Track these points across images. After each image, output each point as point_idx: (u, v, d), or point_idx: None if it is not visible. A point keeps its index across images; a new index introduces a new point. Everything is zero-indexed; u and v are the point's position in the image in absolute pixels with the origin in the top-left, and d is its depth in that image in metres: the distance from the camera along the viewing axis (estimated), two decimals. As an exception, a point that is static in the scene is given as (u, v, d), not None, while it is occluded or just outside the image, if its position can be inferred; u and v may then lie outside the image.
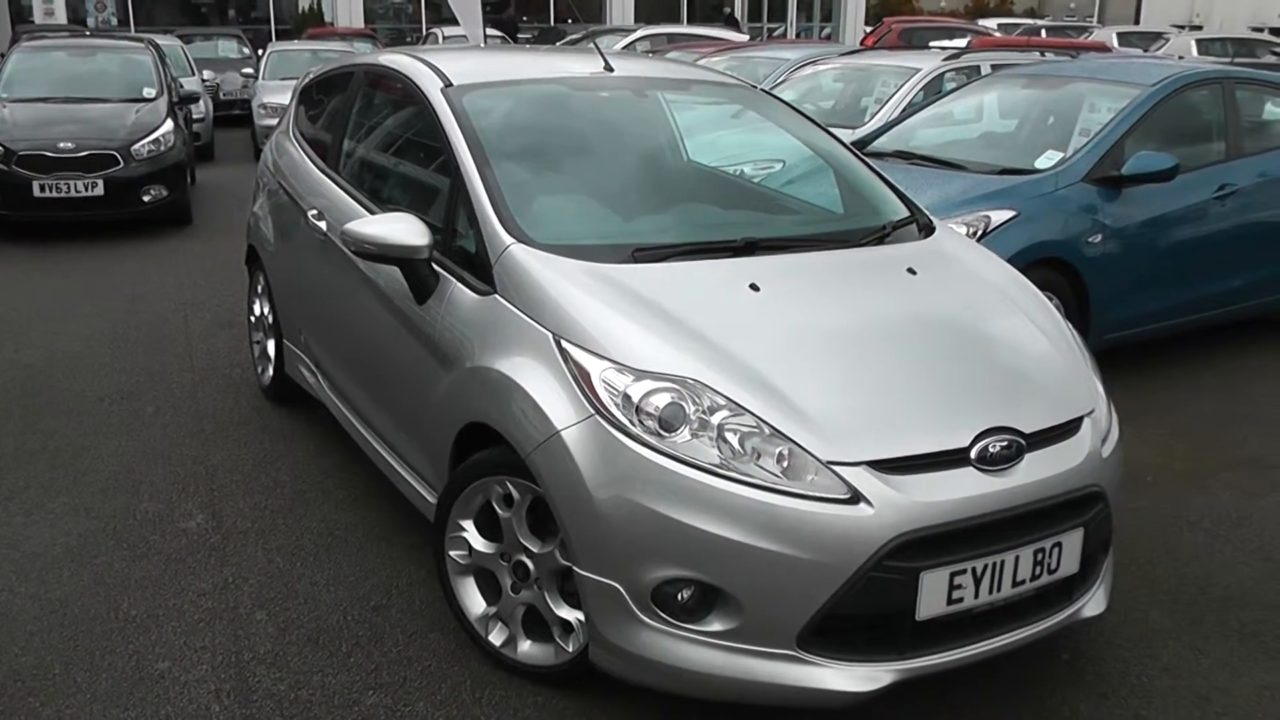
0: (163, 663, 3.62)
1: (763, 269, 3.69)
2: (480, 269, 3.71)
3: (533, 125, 4.53)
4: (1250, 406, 6.24)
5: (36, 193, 10.01)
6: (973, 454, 3.13)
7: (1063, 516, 3.26)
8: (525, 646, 3.54)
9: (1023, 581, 3.18)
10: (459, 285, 3.77)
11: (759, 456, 3.02)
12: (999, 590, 3.14)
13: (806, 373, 3.23)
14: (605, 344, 3.25)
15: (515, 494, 3.42)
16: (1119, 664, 3.72)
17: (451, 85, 4.38)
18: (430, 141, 4.33)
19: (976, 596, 3.10)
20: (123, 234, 10.43)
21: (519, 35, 28.93)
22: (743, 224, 4.32)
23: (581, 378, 3.21)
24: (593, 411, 3.14)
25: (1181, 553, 4.49)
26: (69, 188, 10.09)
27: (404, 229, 3.80)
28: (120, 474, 5.05)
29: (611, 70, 4.71)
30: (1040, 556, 3.19)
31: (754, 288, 3.54)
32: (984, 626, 3.19)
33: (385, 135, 5.09)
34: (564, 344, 3.30)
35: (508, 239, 3.67)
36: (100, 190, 10.18)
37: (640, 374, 3.15)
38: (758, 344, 3.30)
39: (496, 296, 3.60)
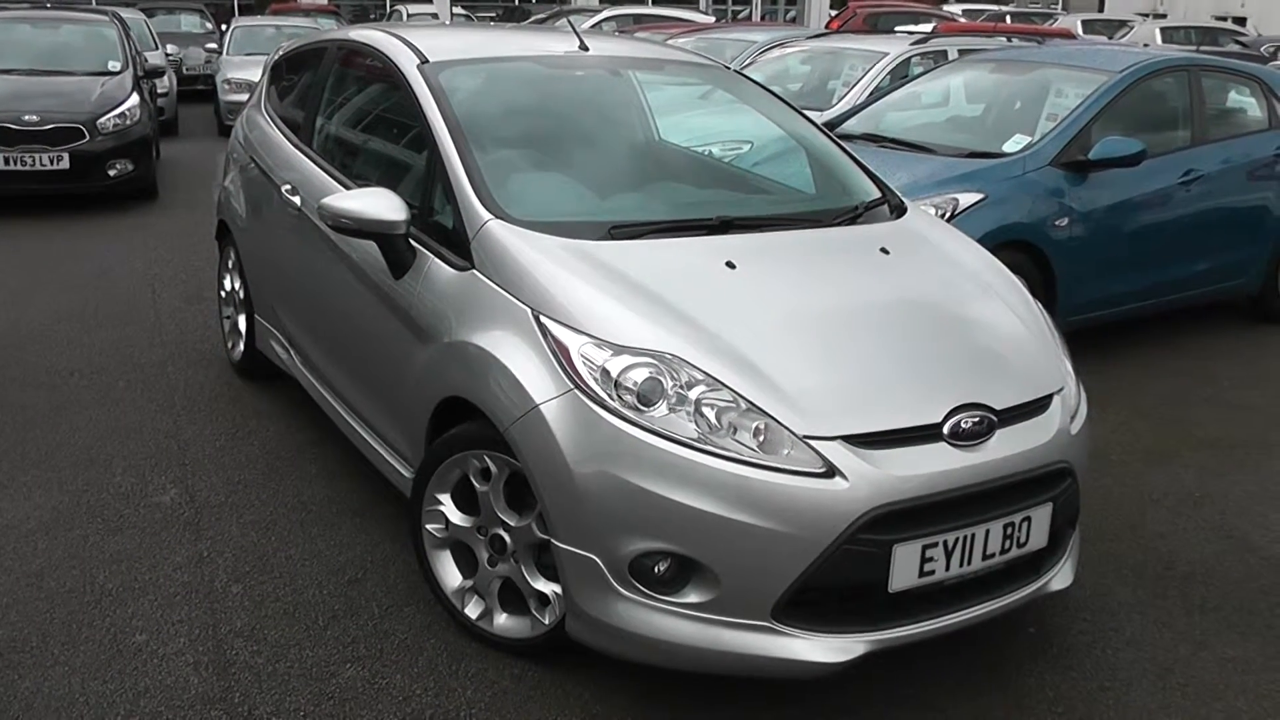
0: (140, 635, 3.62)
1: (738, 247, 3.73)
2: (458, 245, 3.73)
3: (509, 103, 4.55)
4: (1212, 388, 6.35)
5: (1, 166, 9.91)
6: (945, 429, 3.18)
7: (1032, 491, 3.33)
8: (501, 619, 3.57)
9: (993, 555, 3.24)
10: (436, 261, 3.78)
11: (736, 431, 3.06)
12: (969, 563, 3.19)
13: (783, 349, 3.28)
14: (584, 319, 3.28)
15: (493, 468, 3.45)
16: (1084, 637, 3.79)
17: (428, 62, 4.38)
18: (406, 118, 4.33)
19: (948, 569, 3.15)
20: (88, 208, 10.34)
21: (479, 13, 28.75)
22: (717, 203, 4.36)
23: (560, 352, 3.24)
24: (571, 386, 3.17)
25: (1145, 530, 4.57)
26: (34, 161, 9.98)
27: (381, 203, 3.81)
28: (92, 448, 5.04)
29: (587, 49, 4.73)
30: (1010, 530, 3.26)
31: (730, 265, 3.58)
32: (954, 598, 3.25)
33: (360, 111, 5.08)
34: (543, 319, 3.32)
35: (485, 215, 3.69)
36: (65, 164, 10.09)
37: (619, 349, 3.19)
38: (735, 320, 3.34)
39: (474, 272, 3.62)
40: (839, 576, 3.05)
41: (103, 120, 10.33)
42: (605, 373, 3.15)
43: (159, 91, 14.30)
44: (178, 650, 3.56)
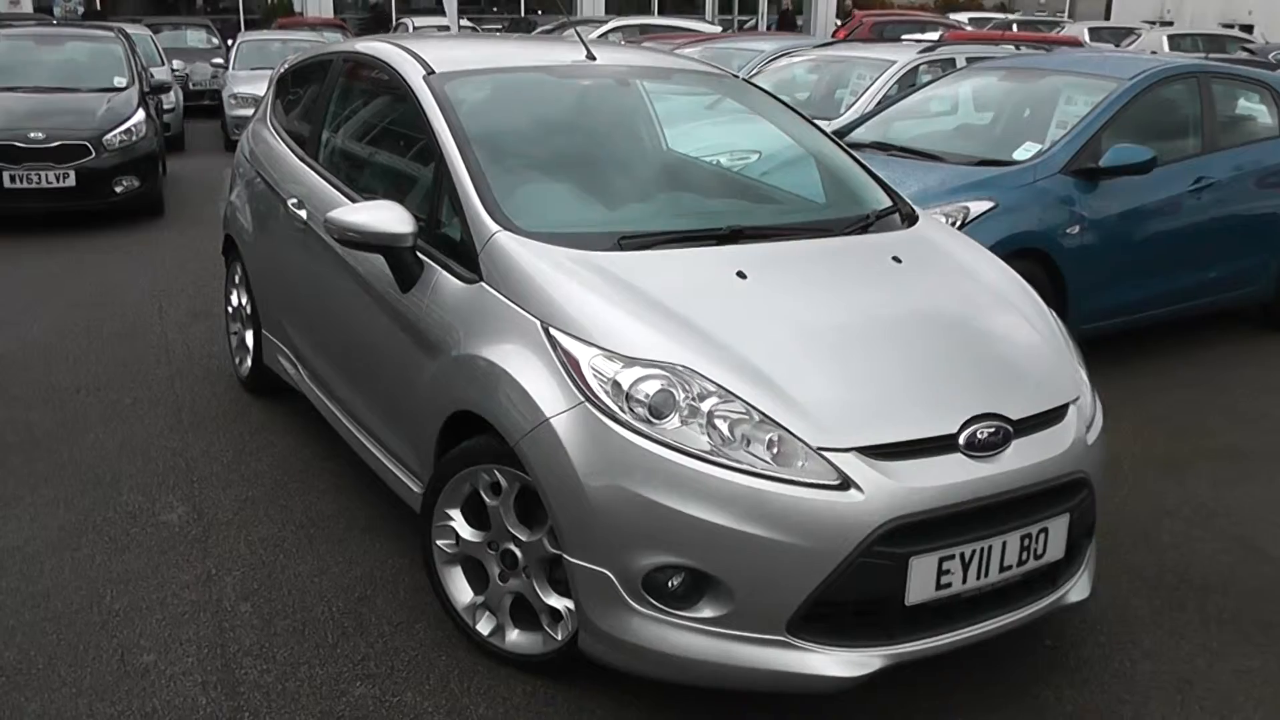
0: (148, 655, 3.59)
1: (749, 257, 3.69)
2: (465, 257, 3.70)
3: (516, 113, 4.52)
4: (1225, 397, 6.30)
5: (7, 184, 9.87)
6: (961, 440, 3.14)
7: (1049, 502, 3.29)
8: (513, 635, 3.54)
9: (1010, 567, 3.20)
10: (444, 273, 3.75)
11: (749, 443, 3.03)
12: (986, 575, 3.16)
13: (796, 359, 3.24)
14: (594, 331, 3.25)
15: (503, 482, 3.41)
16: (1101, 650, 3.75)
17: (434, 73, 4.36)
18: (412, 130, 4.31)
19: (964, 581, 3.12)
20: (94, 225, 10.31)
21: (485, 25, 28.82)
22: (726, 212, 4.33)
23: (570, 365, 3.20)
24: (582, 399, 3.14)
25: (1161, 540, 4.53)
26: (40, 178, 9.96)
27: (388, 216, 3.78)
28: (99, 466, 5.01)
29: (594, 59, 4.70)
30: (1027, 542, 3.22)
31: (741, 275, 3.54)
32: (971, 611, 3.21)
33: (366, 123, 5.06)
34: (552, 331, 3.29)
35: (494, 227, 3.66)
36: (72, 181, 10.06)
37: (630, 361, 3.15)
38: (746, 331, 3.31)
39: (483, 284, 3.59)
40: (855, 590, 3.02)
41: (109, 137, 10.31)
42: (616, 385, 3.12)
43: (165, 107, 14.31)
44: (186, 670, 3.52)
